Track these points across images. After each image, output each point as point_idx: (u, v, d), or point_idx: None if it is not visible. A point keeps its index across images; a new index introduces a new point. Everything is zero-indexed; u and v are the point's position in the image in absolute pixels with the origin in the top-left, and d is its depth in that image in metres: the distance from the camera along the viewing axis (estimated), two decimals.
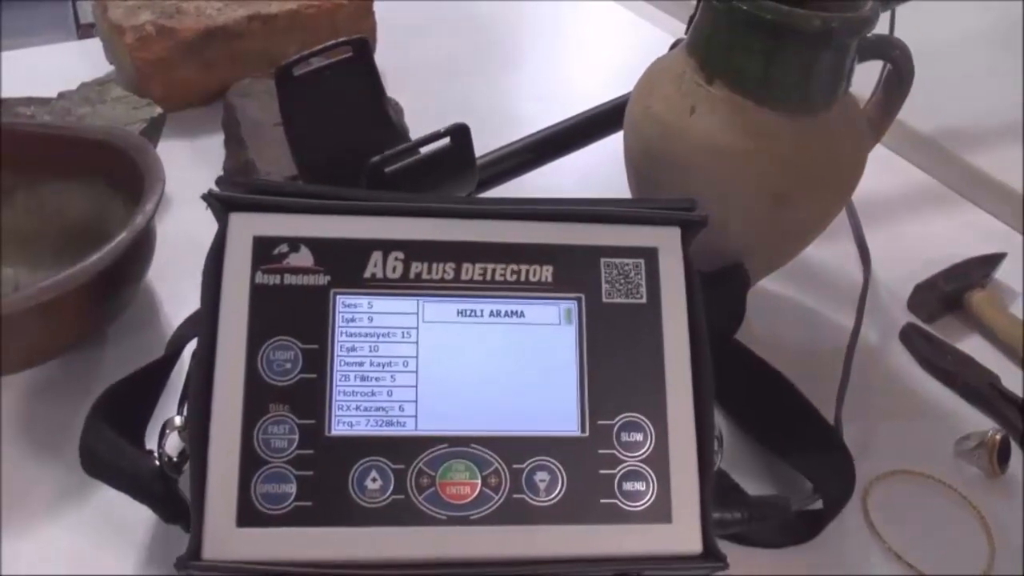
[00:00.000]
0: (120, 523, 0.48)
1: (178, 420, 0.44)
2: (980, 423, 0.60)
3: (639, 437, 0.41)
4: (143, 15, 0.78)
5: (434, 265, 0.42)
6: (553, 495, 0.40)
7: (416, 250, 0.42)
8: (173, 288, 0.63)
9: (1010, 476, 0.57)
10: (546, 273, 0.43)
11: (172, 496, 0.44)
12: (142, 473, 0.44)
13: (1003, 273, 0.72)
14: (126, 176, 0.61)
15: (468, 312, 0.42)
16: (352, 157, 0.55)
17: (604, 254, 0.43)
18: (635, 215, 0.44)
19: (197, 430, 0.39)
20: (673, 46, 0.71)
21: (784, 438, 0.54)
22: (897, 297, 0.70)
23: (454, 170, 0.55)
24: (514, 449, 0.40)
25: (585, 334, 0.42)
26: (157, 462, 0.44)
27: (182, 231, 0.58)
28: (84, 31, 2.40)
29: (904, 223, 0.79)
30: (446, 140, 0.54)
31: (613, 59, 1.02)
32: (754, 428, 0.57)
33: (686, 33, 0.60)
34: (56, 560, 0.46)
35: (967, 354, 0.65)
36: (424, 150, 0.53)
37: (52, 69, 0.84)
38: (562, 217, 0.44)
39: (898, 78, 0.58)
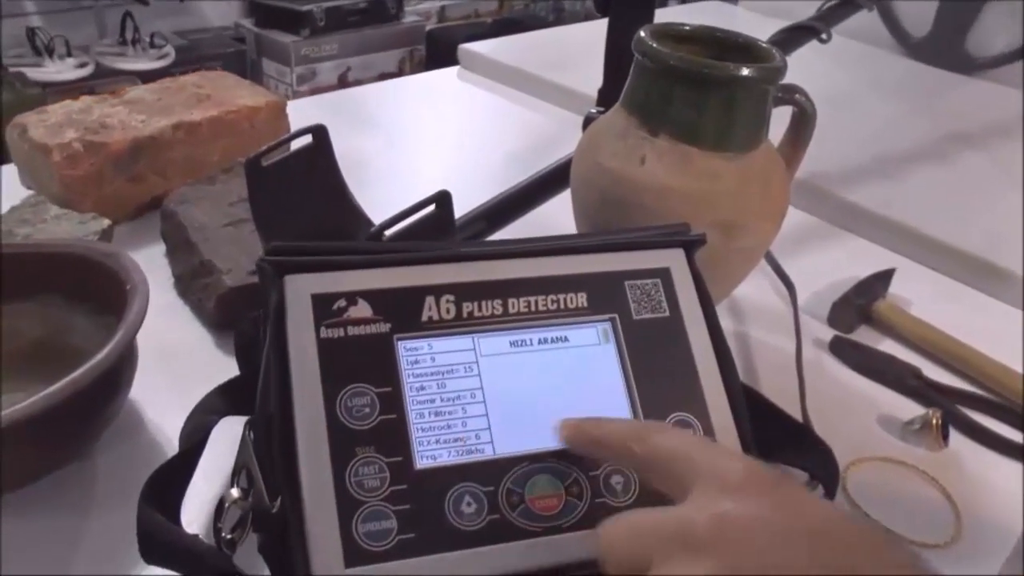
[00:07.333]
0: None
1: (235, 492, 0.44)
2: (914, 409, 0.68)
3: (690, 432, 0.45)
4: (68, 133, 0.77)
5: (483, 303, 0.45)
6: (630, 494, 0.43)
7: (465, 292, 0.45)
8: (145, 395, 0.61)
9: (952, 449, 0.64)
10: (581, 299, 0.47)
11: (231, 573, 0.44)
12: (199, 553, 0.44)
13: (894, 285, 0.82)
14: (90, 287, 0.60)
15: (519, 343, 0.45)
16: (320, 237, 0.57)
17: (627, 277, 0.48)
18: (645, 241, 0.49)
19: (288, 484, 0.39)
20: (586, 122, 0.79)
21: (773, 443, 0.60)
22: (817, 316, 0.78)
23: (439, 232, 0.58)
24: (587, 459, 0.43)
25: (625, 349, 0.46)
26: (213, 541, 0.44)
27: (141, 338, 0.56)
28: None
29: (802, 256, 0.88)
30: (432, 206, 0.57)
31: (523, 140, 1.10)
32: None
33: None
34: None
35: (889, 354, 0.74)
36: (415, 216, 0.56)
37: None
38: (585, 249, 0.48)
39: (803, 118, 0.67)
